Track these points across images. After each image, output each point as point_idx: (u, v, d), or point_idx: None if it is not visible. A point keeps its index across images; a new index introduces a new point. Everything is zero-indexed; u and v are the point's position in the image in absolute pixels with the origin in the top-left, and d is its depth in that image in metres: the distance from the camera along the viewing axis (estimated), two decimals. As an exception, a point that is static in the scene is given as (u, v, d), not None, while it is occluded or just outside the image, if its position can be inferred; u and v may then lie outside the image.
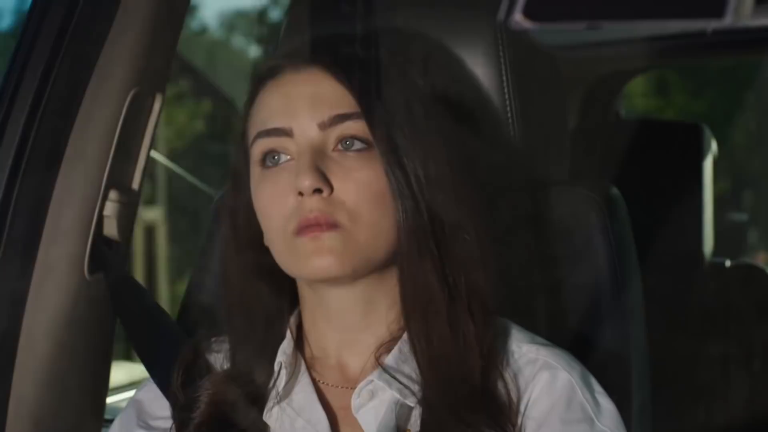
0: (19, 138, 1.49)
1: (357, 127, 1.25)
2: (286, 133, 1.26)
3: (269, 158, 1.28)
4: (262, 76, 1.32)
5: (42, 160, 1.51)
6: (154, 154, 1.70)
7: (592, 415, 1.25)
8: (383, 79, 1.27)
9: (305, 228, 1.24)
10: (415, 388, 1.26)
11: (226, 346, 1.36)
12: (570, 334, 1.39)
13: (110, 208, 1.57)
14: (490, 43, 1.50)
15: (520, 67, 1.51)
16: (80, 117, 1.53)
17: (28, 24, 1.52)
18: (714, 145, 2.97)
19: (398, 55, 1.32)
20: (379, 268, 1.27)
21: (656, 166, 2.81)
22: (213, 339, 1.39)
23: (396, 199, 1.24)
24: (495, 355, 1.27)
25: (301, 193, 1.24)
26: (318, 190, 1.23)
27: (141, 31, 1.56)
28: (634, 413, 1.43)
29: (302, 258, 1.25)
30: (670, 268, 2.59)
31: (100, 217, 1.56)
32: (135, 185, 1.62)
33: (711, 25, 2.54)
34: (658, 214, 2.63)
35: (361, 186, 1.24)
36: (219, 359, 1.36)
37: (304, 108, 1.26)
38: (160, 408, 1.37)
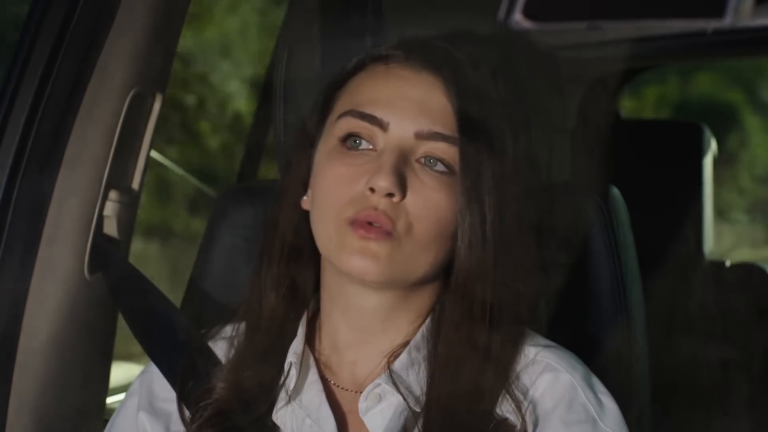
0: (19, 138, 1.49)
1: (449, 151, 1.24)
2: (380, 124, 1.25)
3: (351, 140, 1.26)
4: (374, 56, 1.29)
5: (42, 160, 1.51)
6: (153, 153, 1.70)
7: (595, 416, 1.25)
8: (487, 109, 1.25)
9: (362, 223, 1.22)
10: (420, 393, 1.25)
11: (231, 334, 1.34)
12: (569, 335, 1.39)
13: (110, 208, 1.57)
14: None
15: (520, 67, 1.51)
16: (80, 117, 1.53)
17: (28, 24, 1.52)
18: (714, 145, 2.97)
19: (501, 86, 1.30)
20: (412, 284, 1.26)
21: (656, 166, 2.81)
22: (216, 328, 1.38)
23: (465, 232, 1.23)
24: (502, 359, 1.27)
25: (372, 189, 1.22)
26: (390, 194, 1.22)
27: (141, 31, 1.56)
28: (634, 414, 1.43)
29: (345, 250, 1.23)
30: (670, 268, 2.59)
31: (101, 217, 1.57)
32: (135, 185, 1.62)
33: (711, 25, 2.54)
34: (658, 214, 2.63)
35: (431, 205, 1.23)
36: (223, 347, 1.35)
37: (410, 111, 1.25)
38: (164, 388, 1.36)
